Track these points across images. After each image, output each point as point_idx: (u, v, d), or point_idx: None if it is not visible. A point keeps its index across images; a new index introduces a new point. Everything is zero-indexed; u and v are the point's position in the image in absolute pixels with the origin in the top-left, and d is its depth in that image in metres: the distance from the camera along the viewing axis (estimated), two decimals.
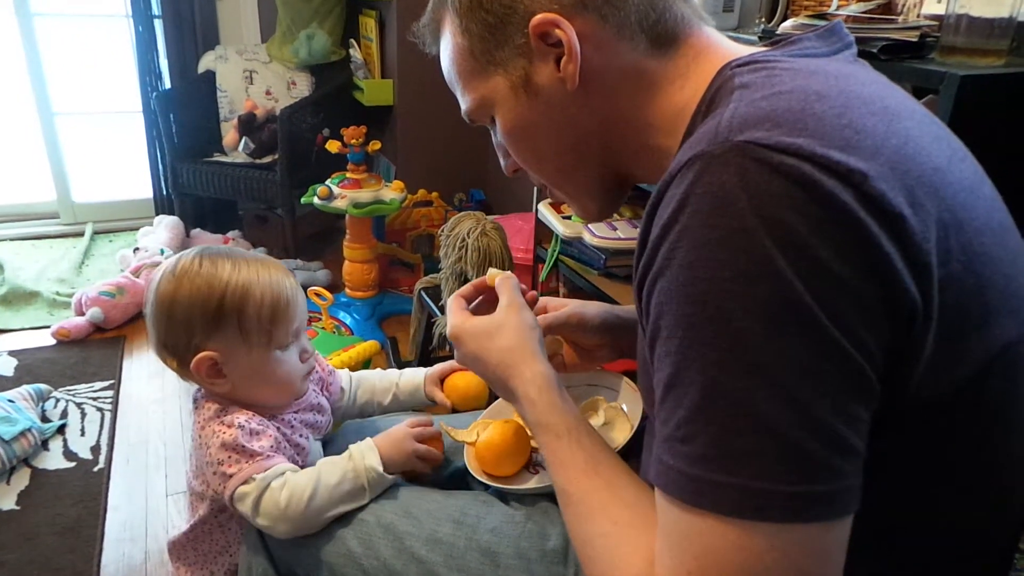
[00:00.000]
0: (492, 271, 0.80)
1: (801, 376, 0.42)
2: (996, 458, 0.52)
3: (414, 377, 1.02)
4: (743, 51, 0.59)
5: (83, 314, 2.30)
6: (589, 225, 1.73)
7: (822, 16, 1.19)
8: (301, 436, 0.90)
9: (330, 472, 0.81)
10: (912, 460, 0.50)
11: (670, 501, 0.47)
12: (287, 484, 0.80)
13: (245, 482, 0.80)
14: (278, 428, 0.88)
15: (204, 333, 0.83)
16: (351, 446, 0.85)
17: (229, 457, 0.82)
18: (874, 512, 0.51)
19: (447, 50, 0.65)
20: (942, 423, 0.49)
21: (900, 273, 0.43)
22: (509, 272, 0.77)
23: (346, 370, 1.08)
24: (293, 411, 0.91)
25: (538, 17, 0.57)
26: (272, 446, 0.84)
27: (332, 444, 0.98)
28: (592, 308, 0.86)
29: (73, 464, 1.69)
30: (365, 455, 0.83)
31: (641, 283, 0.50)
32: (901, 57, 1.02)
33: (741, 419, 0.43)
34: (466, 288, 0.82)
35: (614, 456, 0.62)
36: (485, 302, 0.80)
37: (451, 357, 1.77)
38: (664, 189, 0.48)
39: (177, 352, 0.85)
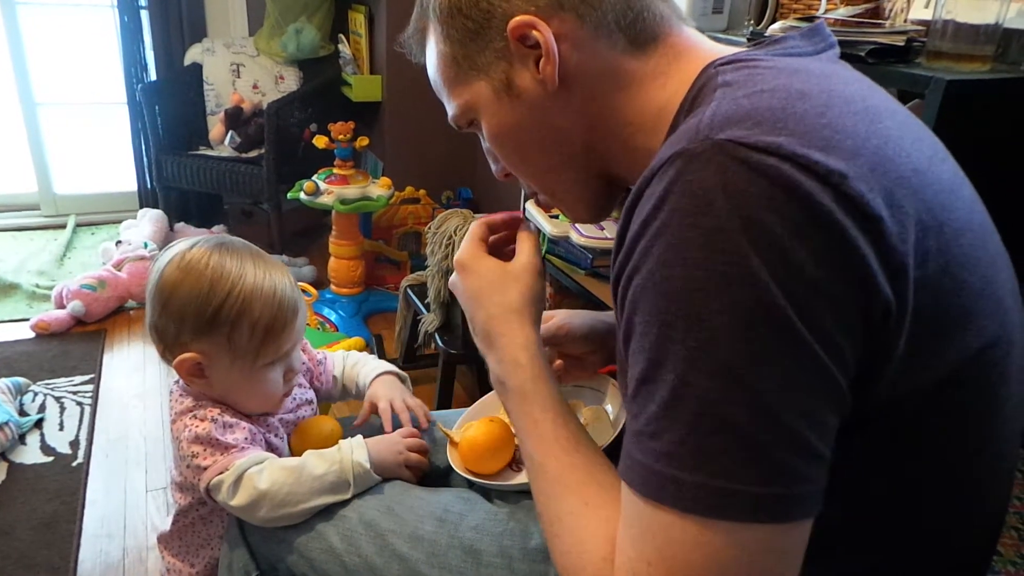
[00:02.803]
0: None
1: (770, 379, 0.43)
2: (971, 460, 0.53)
3: (362, 378, 1.00)
4: (725, 50, 0.59)
5: (63, 307, 2.27)
6: (576, 224, 1.73)
7: (810, 19, 1.19)
8: (277, 436, 0.90)
9: (316, 463, 0.81)
10: (887, 459, 0.50)
11: (634, 494, 0.47)
12: (269, 468, 0.80)
13: (220, 472, 0.80)
14: (254, 424, 0.87)
15: (193, 333, 0.82)
16: (341, 441, 0.85)
17: (204, 450, 0.82)
18: (849, 512, 0.51)
19: (431, 58, 0.65)
20: (916, 423, 0.49)
21: (876, 275, 0.43)
22: (536, 233, 0.73)
23: (340, 352, 1.06)
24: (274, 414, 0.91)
25: (515, 20, 0.57)
26: (247, 438, 0.84)
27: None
28: (579, 317, 0.86)
29: (51, 459, 1.66)
30: (354, 450, 0.83)
31: (618, 280, 0.50)
32: (888, 61, 1.03)
33: (708, 418, 0.43)
34: (496, 218, 0.75)
35: (591, 439, 0.62)
36: (505, 240, 0.76)
37: (436, 356, 1.76)
38: (644, 186, 0.48)
39: (164, 340, 0.85)
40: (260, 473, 0.79)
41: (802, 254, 0.42)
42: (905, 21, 1.21)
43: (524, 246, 0.71)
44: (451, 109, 0.66)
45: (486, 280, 0.69)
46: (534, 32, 0.57)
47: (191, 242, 0.84)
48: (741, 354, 0.42)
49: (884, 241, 0.43)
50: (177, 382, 0.89)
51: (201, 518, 0.92)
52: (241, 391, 0.86)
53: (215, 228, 2.86)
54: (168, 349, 0.84)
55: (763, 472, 0.43)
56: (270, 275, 0.84)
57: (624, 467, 0.49)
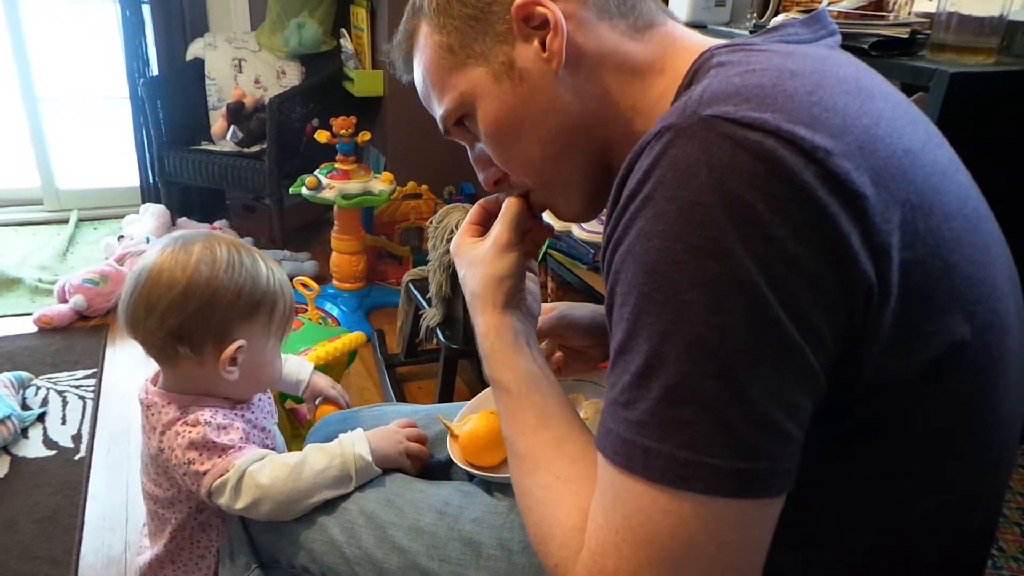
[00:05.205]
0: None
1: (740, 356, 0.43)
2: (964, 449, 0.52)
3: (298, 372, 1.09)
4: (720, 41, 0.59)
5: (66, 302, 2.27)
6: None
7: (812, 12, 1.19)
8: (266, 418, 0.91)
9: (317, 458, 0.81)
10: (876, 445, 0.50)
11: (607, 463, 0.48)
12: (270, 464, 0.80)
13: (221, 474, 0.79)
14: (242, 416, 0.87)
15: (240, 321, 0.84)
16: (341, 435, 0.85)
17: (200, 455, 0.81)
18: (838, 500, 0.51)
19: (423, 57, 0.64)
20: (906, 408, 0.49)
21: (857, 254, 0.43)
22: (519, 199, 0.68)
23: None
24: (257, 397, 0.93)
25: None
26: (242, 437, 0.84)
27: (313, 437, 0.97)
28: (580, 310, 0.86)
29: (53, 452, 1.67)
30: (355, 443, 0.83)
31: (604, 252, 0.51)
32: (891, 54, 1.02)
33: (678, 390, 0.44)
34: (492, 198, 0.73)
35: (567, 411, 0.61)
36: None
37: (438, 351, 1.76)
38: (634, 161, 0.48)
39: (196, 339, 0.83)
40: (261, 470, 0.79)
41: (781, 230, 0.42)
42: (909, 13, 1.20)
43: (497, 221, 0.68)
44: (443, 106, 0.64)
45: (464, 264, 0.70)
46: (540, 9, 0.57)
47: (201, 247, 0.84)
48: (712, 328, 0.43)
49: (868, 219, 0.43)
50: (148, 393, 0.87)
51: (201, 525, 0.90)
52: (263, 370, 0.90)
53: (217, 223, 2.86)
54: (196, 346, 0.83)
55: (728, 446, 0.43)
56: (277, 265, 0.91)
57: (599, 435, 0.49)
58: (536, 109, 0.60)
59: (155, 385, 0.88)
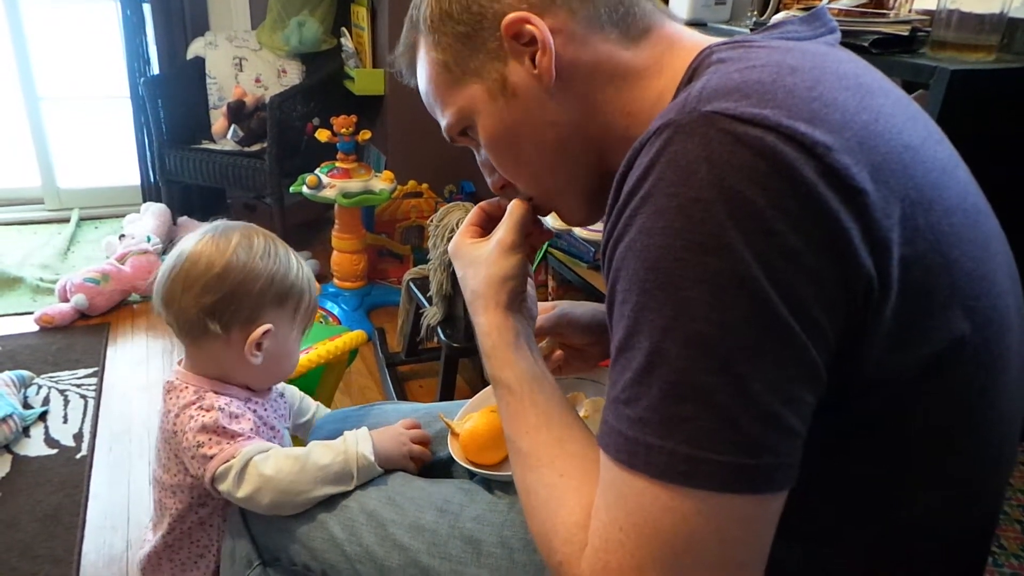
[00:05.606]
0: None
1: (742, 351, 0.43)
2: (964, 445, 0.52)
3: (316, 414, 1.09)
4: (719, 40, 0.59)
5: (67, 300, 2.27)
6: None
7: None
8: (278, 419, 0.92)
9: (321, 453, 0.81)
10: (876, 441, 0.50)
11: (609, 460, 0.48)
12: (274, 456, 0.81)
13: (226, 460, 0.80)
14: (254, 410, 0.88)
15: (270, 307, 0.87)
16: (346, 432, 0.86)
17: (209, 439, 0.82)
18: (836, 496, 0.51)
19: (423, 71, 0.65)
20: (906, 403, 0.49)
21: (857, 249, 0.43)
22: (525, 202, 0.68)
23: None
24: (271, 394, 0.94)
25: (509, 17, 0.57)
26: (252, 428, 0.85)
27: (315, 435, 0.98)
28: (581, 307, 0.86)
29: (55, 451, 1.67)
30: (359, 442, 0.83)
31: (605, 249, 0.51)
32: (892, 52, 1.02)
33: (680, 387, 0.44)
34: (493, 202, 0.74)
35: (568, 411, 0.61)
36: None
37: (438, 350, 1.76)
38: (633, 157, 0.48)
39: (227, 318, 0.85)
40: (265, 460, 0.80)
41: (782, 226, 0.42)
42: (909, 11, 1.20)
43: (502, 223, 0.68)
44: (445, 119, 0.65)
45: (464, 264, 0.70)
46: (528, 26, 0.57)
47: (240, 236, 0.87)
48: (714, 324, 0.43)
49: (868, 215, 0.43)
50: (175, 375, 0.90)
51: (200, 522, 0.90)
52: (283, 360, 0.92)
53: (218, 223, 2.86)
54: (226, 326, 0.86)
55: (730, 442, 0.43)
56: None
57: (601, 433, 0.49)
58: (531, 124, 0.61)
59: (180, 366, 0.91)
